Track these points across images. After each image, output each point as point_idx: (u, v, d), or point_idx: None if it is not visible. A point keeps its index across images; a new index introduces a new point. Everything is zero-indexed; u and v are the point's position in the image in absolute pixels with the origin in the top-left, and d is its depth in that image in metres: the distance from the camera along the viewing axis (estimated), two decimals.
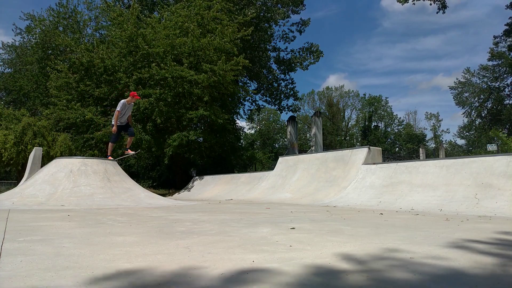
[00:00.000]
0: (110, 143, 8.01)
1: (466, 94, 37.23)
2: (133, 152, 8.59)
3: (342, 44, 77.36)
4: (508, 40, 28.13)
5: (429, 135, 49.65)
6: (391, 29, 74.31)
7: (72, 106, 12.79)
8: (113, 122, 7.79)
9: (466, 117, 38.43)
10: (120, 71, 12.94)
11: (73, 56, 14.02)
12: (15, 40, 24.17)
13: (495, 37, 30.77)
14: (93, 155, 12.93)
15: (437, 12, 19.91)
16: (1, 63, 22.96)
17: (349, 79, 77.56)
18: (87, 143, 12.92)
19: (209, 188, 12.10)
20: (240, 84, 18.09)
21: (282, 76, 22.06)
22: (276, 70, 21.87)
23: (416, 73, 79.21)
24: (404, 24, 73.46)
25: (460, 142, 46.20)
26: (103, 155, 13.53)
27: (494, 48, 31.77)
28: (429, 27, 72.02)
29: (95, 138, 12.48)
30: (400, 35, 74.97)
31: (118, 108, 7.68)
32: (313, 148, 19.29)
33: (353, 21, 75.35)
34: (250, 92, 17.91)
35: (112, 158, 7.80)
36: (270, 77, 21.57)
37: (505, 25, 27.09)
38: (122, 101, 7.81)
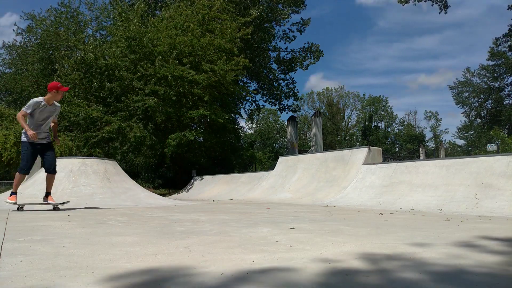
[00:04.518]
0: (18, 173, 4.80)
1: (466, 94, 37.24)
2: (55, 202, 5.05)
3: (337, 43, 77.16)
4: (509, 40, 28.05)
5: (429, 135, 49.68)
6: (387, 29, 74.10)
7: (75, 101, 12.88)
8: (26, 138, 4.70)
9: (465, 117, 38.49)
10: (123, 69, 13.02)
11: (76, 55, 14.08)
12: (16, 40, 24.15)
13: (496, 39, 30.70)
14: (97, 154, 12.98)
15: (439, 13, 19.88)
16: (1, 63, 22.96)
17: (347, 78, 77.81)
18: (90, 141, 12.96)
19: (209, 188, 12.09)
20: (240, 84, 18.10)
21: (282, 76, 22.07)
22: (276, 70, 21.87)
23: (413, 72, 79.09)
24: (399, 23, 73.27)
25: (460, 142, 46.24)
26: (104, 154, 13.56)
27: (494, 48, 31.75)
28: (425, 27, 71.84)
29: (98, 136, 12.58)
30: (396, 35, 74.80)
31: (23, 108, 4.70)
32: (313, 148, 19.28)
33: (348, 20, 75.00)
34: (250, 92, 17.92)
35: (14, 201, 4.76)
36: (271, 76, 21.56)
37: (508, 25, 26.89)
38: (35, 99, 4.79)
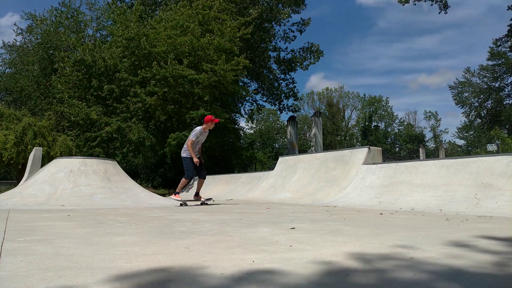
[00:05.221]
0: (184, 179, 6.13)
1: (466, 94, 37.23)
2: (204, 199, 6.43)
3: (337, 43, 77.12)
4: (510, 40, 28.00)
5: (429, 135, 49.68)
6: (387, 29, 74.06)
7: (74, 103, 12.90)
8: (189, 155, 5.99)
9: (465, 117, 38.49)
10: (122, 70, 13.04)
11: (76, 55, 14.10)
12: (16, 40, 24.11)
13: (497, 40, 30.65)
14: (98, 154, 12.99)
15: (439, 13, 19.87)
16: (2, 63, 22.96)
17: (347, 78, 77.81)
18: (93, 142, 12.97)
19: (209, 188, 12.09)
20: (240, 84, 18.12)
21: (282, 76, 22.07)
22: (276, 70, 21.87)
23: (413, 72, 79.13)
24: (399, 23, 73.23)
25: (460, 142, 46.25)
26: (105, 153, 13.57)
27: (494, 48, 31.73)
28: (425, 27, 71.88)
29: (99, 137, 12.59)
30: (396, 35, 74.74)
31: (191, 137, 5.99)
32: (313, 148, 19.29)
33: (348, 20, 74.88)
34: (250, 92, 17.93)
35: (179, 199, 6.12)
36: (271, 76, 21.56)
37: (507, 26, 26.80)
38: (198, 128, 6.07)
